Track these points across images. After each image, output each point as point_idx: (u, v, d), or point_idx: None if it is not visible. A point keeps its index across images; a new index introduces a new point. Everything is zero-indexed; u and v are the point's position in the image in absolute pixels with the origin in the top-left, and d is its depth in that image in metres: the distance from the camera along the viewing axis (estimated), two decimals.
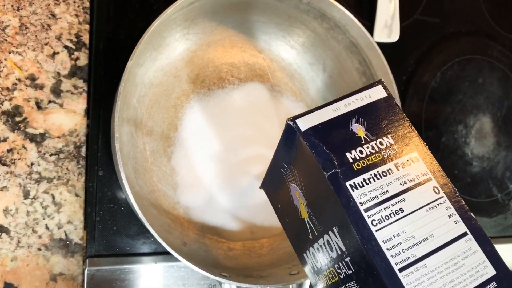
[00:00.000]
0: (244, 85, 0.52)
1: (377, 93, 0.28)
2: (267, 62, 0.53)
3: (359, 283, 0.25)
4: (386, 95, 0.28)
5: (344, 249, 0.25)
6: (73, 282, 0.45)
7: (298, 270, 0.44)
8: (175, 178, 0.48)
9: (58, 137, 0.46)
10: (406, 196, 0.25)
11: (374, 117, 0.27)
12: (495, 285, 0.23)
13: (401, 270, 0.23)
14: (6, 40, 0.45)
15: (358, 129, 0.26)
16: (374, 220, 0.24)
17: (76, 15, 0.47)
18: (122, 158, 0.39)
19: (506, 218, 0.66)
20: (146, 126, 0.48)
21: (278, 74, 0.54)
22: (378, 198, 0.24)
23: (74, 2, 0.47)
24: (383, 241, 0.23)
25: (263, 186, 0.38)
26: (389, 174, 0.25)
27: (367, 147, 0.25)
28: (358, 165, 0.25)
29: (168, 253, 0.40)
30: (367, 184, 0.25)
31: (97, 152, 0.47)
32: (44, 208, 0.45)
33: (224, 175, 0.48)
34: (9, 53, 0.45)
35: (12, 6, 0.46)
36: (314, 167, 0.25)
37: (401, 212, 0.24)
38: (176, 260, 0.40)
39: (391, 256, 0.23)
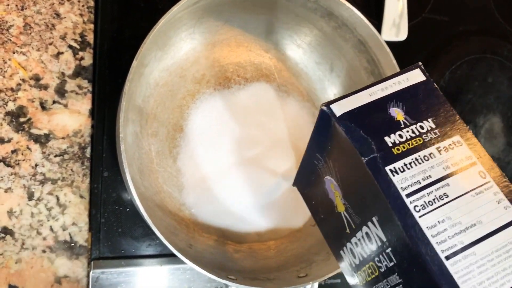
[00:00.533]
0: (250, 85, 0.51)
1: (415, 77, 0.26)
2: (274, 61, 0.53)
3: (402, 275, 0.24)
4: (424, 78, 0.26)
5: (385, 239, 0.24)
6: (77, 285, 0.45)
7: (306, 273, 0.43)
8: (181, 180, 0.47)
9: (63, 138, 0.46)
10: (450, 180, 0.24)
11: (413, 100, 0.25)
12: None
13: (448, 258, 0.22)
14: (10, 40, 0.45)
15: (397, 113, 0.25)
16: (417, 206, 0.23)
17: (81, 15, 0.47)
18: (127, 159, 0.38)
19: None
20: (151, 127, 0.47)
21: (285, 73, 0.53)
22: (420, 183, 0.23)
23: (79, 1, 0.47)
24: (427, 227, 0.22)
25: (296, 183, 0.36)
26: (431, 158, 0.24)
27: (407, 131, 0.24)
28: (398, 149, 0.24)
29: (173, 255, 0.40)
30: (408, 169, 0.23)
31: (102, 153, 0.46)
32: (49, 210, 0.45)
33: (230, 176, 0.48)
34: (13, 53, 0.45)
35: (16, 5, 0.45)
36: (351, 154, 0.24)
37: (446, 197, 0.23)
38: (182, 262, 0.40)
39: (436, 243, 0.22)
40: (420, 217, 0.23)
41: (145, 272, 0.46)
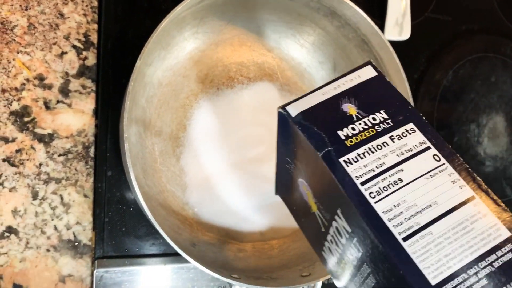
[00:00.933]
0: (253, 85, 0.51)
1: (367, 73, 0.27)
2: (277, 61, 0.53)
3: (370, 264, 0.24)
4: (376, 74, 0.27)
5: (350, 230, 0.25)
6: (81, 284, 0.45)
7: (309, 272, 0.43)
8: (184, 179, 0.47)
9: (67, 137, 0.46)
10: (404, 166, 0.24)
11: (365, 95, 0.27)
12: (511, 247, 0.22)
13: (405, 239, 0.22)
14: (15, 40, 0.45)
15: (349, 108, 0.26)
16: (372, 193, 0.23)
17: (85, 15, 0.47)
18: (131, 159, 0.39)
19: None
20: (155, 126, 0.47)
21: (288, 73, 0.53)
22: (374, 171, 0.24)
23: (82, 1, 0.47)
24: (383, 212, 0.23)
25: (277, 191, 0.37)
26: (384, 147, 0.25)
27: (359, 124, 0.26)
28: (351, 141, 0.25)
29: (177, 254, 0.40)
30: (361, 158, 0.24)
31: (105, 152, 0.46)
32: (53, 209, 0.45)
33: (234, 176, 0.48)
34: (18, 53, 0.45)
35: (20, 5, 0.45)
36: (310, 151, 0.25)
37: (400, 182, 0.24)
38: (186, 261, 0.40)
39: (393, 226, 0.22)
40: (375, 202, 0.23)
41: (149, 271, 0.46)
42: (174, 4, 0.41)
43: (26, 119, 0.45)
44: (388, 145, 0.25)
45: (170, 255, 0.47)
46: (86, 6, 0.47)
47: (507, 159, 0.64)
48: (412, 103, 0.46)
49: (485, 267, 0.21)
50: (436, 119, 0.61)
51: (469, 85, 0.63)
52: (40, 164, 0.45)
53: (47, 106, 0.45)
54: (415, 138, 0.25)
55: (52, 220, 0.45)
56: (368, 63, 0.28)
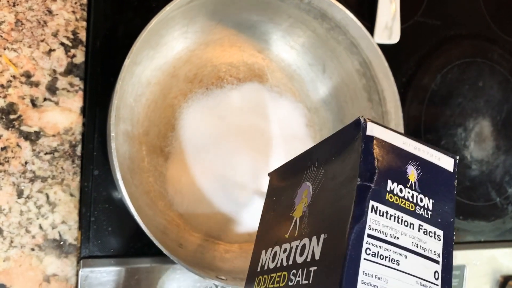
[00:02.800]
0: (242, 85, 0.51)
1: (446, 163, 0.27)
2: (267, 62, 0.53)
3: None
4: (452, 171, 0.26)
5: (317, 258, 0.24)
6: (66, 284, 0.44)
7: None
8: (172, 179, 0.47)
9: (53, 135, 0.45)
10: (410, 256, 0.24)
11: (430, 177, 0.25)
12: None
13: None
14: (1, 36, 0.45)
15: (412, 172, 0.25)
16: (369, 249, 0.23)
17: (73, 12, 0.47)
18: (118, 158, 0.38)
19: (505, 222, 0.66)
20: (142, 126, 0.47)
21: (277, 74, 0.53)
22: (386, 235, 0.23)
23: None
24: (363, 271, 0.22)
25: (272, 173, 0.36)
26: (410, 228, 0.24)
27: (408, 192, 0.24)
28: (391, 197, 0.24)
29: (163, 254, 0.40)
30: (387, 218, 0.23)
31: (92, 151, 0.46)
32: (38, 208, 0.44)
33: (222, 176, 0.48)
34: (4, 49, 0.44)
35: (8, 1, 0.45)
36: (350, 172, 0.24)
37: (396, 265, 0.23)
38: (172, 262, 0.40)
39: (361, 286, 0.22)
40: (364, 259, 0.22)
41: (135, 271, 0.46)
42: (164, 3, 0.41)
43: (12, 116, 0.44)
44: (413, 229, 0.24)
45: (157, 255, 0.46)
46: (75, 3, 0.47)
47: (492, 163, 0.65)
48: (399, 106, 0.47)
49: None
50: (424, 123, 0.61)
51: (456, 89, 0.63)
52: (26, 162, 0.44)
53: (33, 103, 0.45)
54: (435, 245, 0.24)
55: (37, 219, 0.44)
56: (454, 157, 0.27)
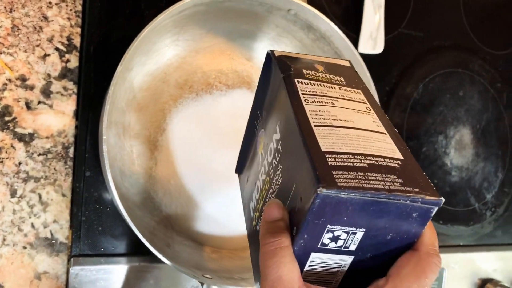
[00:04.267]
0: (231, 92, 0.53)
1: (343, 62, 0.35)
2: (255, 69, 0.55)
3: (281, 162, 0.29)
4: (350, 66, 0.34)
5: (278, 137, 0.30)
6: (57, 281, 0.46)
7: None
8: (161, 181, 0.49)
9: (47, 137, 0.47)
10: (341, 101, 0.29)
11: (334, 68, 0.33)
12: (399, 162, 0.25)
13: (316, 126, 0.27)
14: None
15: (319, 67, 0.33)
16: (307, 100, 0.29)
17: (68, 18, 0.48)
18: (109, 160, 0.40)
19: (483, 227, 0.68)
20: (133, 129, 0.49)
21: None
22: (316, 93, 0.29)
23: (67, 5, 0.48)
24: (309, 110, 0.28)
25: (237, 169, 0.40)
26: (333, 89, 0.30)
27: (321, 73, 0.32)
28: (309, 76, 0.31)
29: (152, 254, 0.41)
30: (312, 85, 0.30)
31: (84, 153, 0.48)
32: (31, 207, 0.46)
33: (209, 180, 0.49)
34: (0, 53, 0.46)
35: (5, 7, 0.46)
36: (277, 77, 0.31)
37: (332, 104, 0.29)
38: (160, 261, 0.41)
39: (311, 117, 0.27)
40: (307, 104, 0.28)
41: (124, 270, 0.47)
42: (156, 11, 0.43)
43: (7, 118, 0.46)
44: (335, 89, 0.30)
45: (145, 254, 0.48)
46: (70, 10, 0.49)
47: (472, 170, 0.67)
48: None
49: (371, 160, 0.25)
50: (406, 130, 0.63)
51: (438, 98, 0.66)
52: (20, 163, 0.46)
53: (28, 106, 0.46)
54: (358, 96, 0.30)
55: (30, 218, 0.46)
56: (347, 60, 0.35)
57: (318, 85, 0.30)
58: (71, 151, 0.47)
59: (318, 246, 0.24)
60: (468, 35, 0.69)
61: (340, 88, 0.31)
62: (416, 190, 0.23)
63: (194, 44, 0.52)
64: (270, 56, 0.33)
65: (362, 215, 0.23)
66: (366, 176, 0.23)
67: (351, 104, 0.29)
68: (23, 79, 0.46)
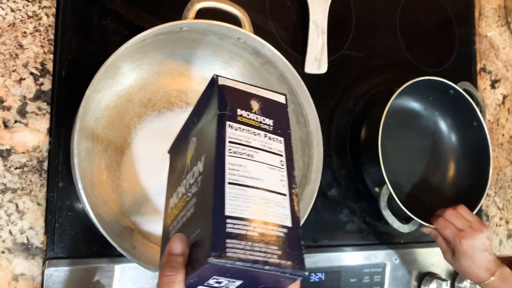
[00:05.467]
0: (191, 109, 0.59)
1: (279, 98, 0.38)
2: None
3: (196, 196, 0.34)
4: (284, 103, 0.38)
5: (201, 169, 0.34)
6: (33, 282, 0.51)
7: None
8: (126, 191, 0.55)
9: (23, 152, 0.52)
10: (261, 153, 0.34)
11: (269, 107, 0.37)
12: (286, 231, 0.31)
13: (229, 183, 0.32)
14: None
15: (254, 104, 0.36)
16: (231, 150, 0.33)
17: (42, 46, 0.54)
18: (80, 172, 0.46)
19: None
20: (102, 144, 0.54)
21: None
22: (241, 141, 0.34)
23: (40, 34, 0.54)
24: (229, 163, 0.32)
25: (171, 150, 0.46)
26: (258, 136, 0.34)
27: (254, 115, 0.35)
28: (241, 119, 0.35)
29: (120, 255, 0.47)
30: (241, 131, 0.34)
31: (57, 166, 0.53)
32: (8, 216, 0.51)
33: None
34: None
35: None
36: (214, 111, 0.35)
37: (251, 157, 0.33)
38: (128, 261, 0.46)
39: (229, 173, 0.32)
40: (229, 155, 0.33)
41: (95, 270, 0.52)
42: (122, 38, 0.49)
43: None
44: (260, 136, 0.35)
45: (114, 256, 0.53)
46: (44, 38, 0.54)
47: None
48: (319, 128, 0.56)
49: (262, 229, 0.30)
50: (349, 141, 0.71)
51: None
52: None
53: (5, 125, 0.52)
54: (278, 146, 0.35)
55: (8, 225, 0.51)
56: (284, 94, 0.38)
57: (246, 131, 0.34)
58: (45, 164, 0.53)
59: (204, 284, 0.32)
60: (405, 55, 0.78)
61: (265, 135, 0.35)
62: (289, 263, 0.30)
63: (156, 67, 0.58)
64: (214, 81, 0.37)
65: (241, 275, 0.30)
66: (252, 247, 0.29)
67: (269, 158, 0.34)
68: (0, 101, 0.52)
